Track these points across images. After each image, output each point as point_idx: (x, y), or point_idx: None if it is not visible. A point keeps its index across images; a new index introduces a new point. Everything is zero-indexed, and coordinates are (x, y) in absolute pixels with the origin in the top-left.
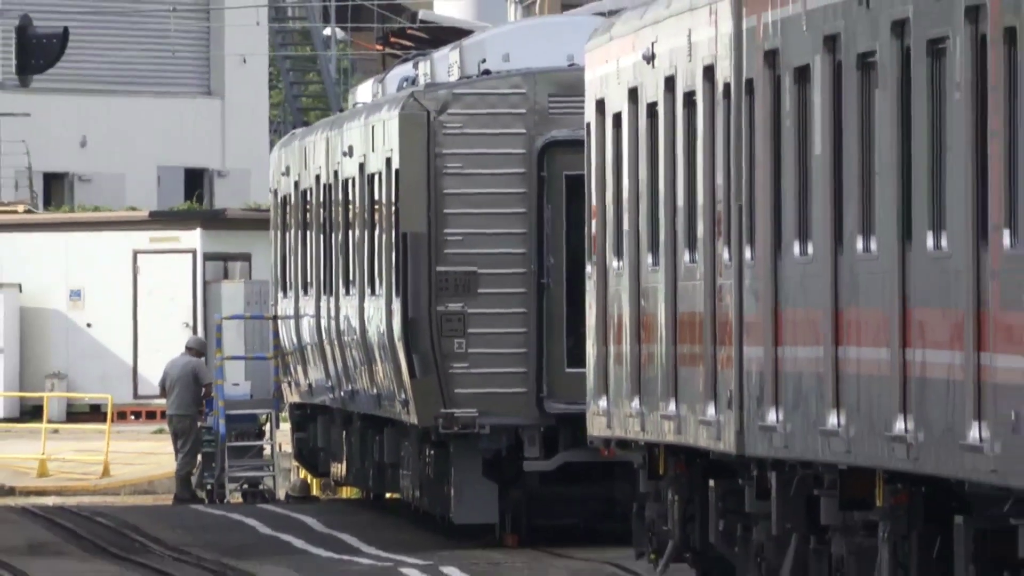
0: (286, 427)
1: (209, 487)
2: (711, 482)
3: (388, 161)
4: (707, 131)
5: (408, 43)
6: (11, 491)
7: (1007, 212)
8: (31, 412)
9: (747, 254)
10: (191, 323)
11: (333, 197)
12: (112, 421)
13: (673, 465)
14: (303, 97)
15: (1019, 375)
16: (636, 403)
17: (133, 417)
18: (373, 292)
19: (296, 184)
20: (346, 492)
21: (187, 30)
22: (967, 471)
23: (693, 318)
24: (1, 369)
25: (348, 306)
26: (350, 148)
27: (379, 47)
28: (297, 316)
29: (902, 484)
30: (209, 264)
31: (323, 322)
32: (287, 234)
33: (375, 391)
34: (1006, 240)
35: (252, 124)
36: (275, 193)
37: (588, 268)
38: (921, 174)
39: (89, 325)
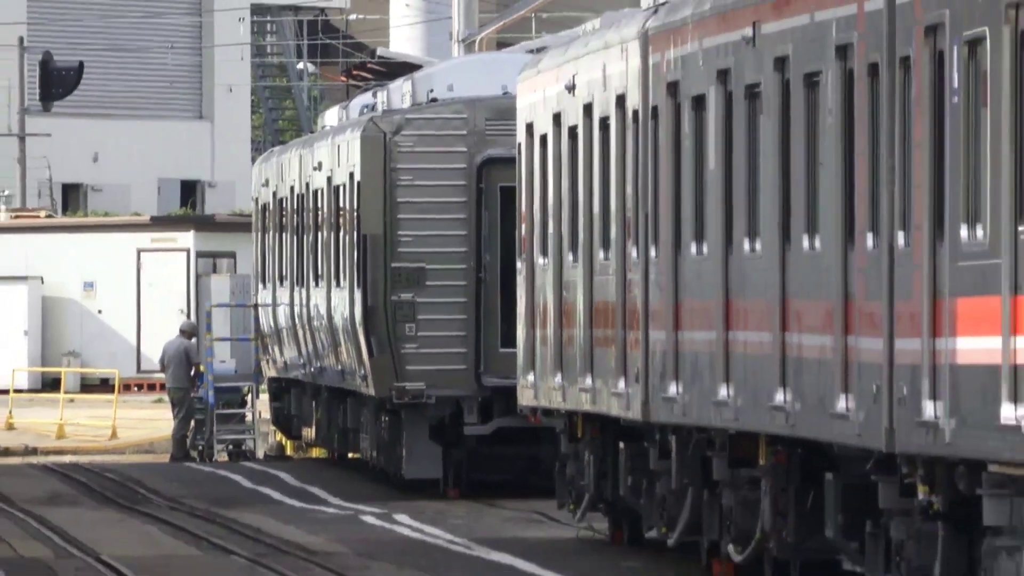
0: (265, 397)
1: (200, 448)
2: (621, 444)
3: (351, 175)
4: (619, 150)
5: (368, 75)
6: (34, 451)
7: (870, 218)
8: (51, 384)
9: (652, 253)
10: (185, 310)
11: (305, 204)
12: (119, 392)
13: (589, 430)
14: (280, 120)
15: (878, 355)
16: (558, 378)
17: (136, 389)
18: (338, 284)
19: (274, 194)
20: (315, 452)
21: (182, 64)
22: (836, 435)
23: (606, 307)
24: (25, 348)
25: (317, 296)
26: (319, 163)
27: (344, 79)
28: (274, 304)
29: (781, 446)
30: (200, 261)
31: (296, 309)
32: (266, 235)
33: (339, 367)
34: (869, 242)
35: (237, 143)
36: (256, 201)
37: (519, 264)
38: (799, 186)
39: (100, 311)
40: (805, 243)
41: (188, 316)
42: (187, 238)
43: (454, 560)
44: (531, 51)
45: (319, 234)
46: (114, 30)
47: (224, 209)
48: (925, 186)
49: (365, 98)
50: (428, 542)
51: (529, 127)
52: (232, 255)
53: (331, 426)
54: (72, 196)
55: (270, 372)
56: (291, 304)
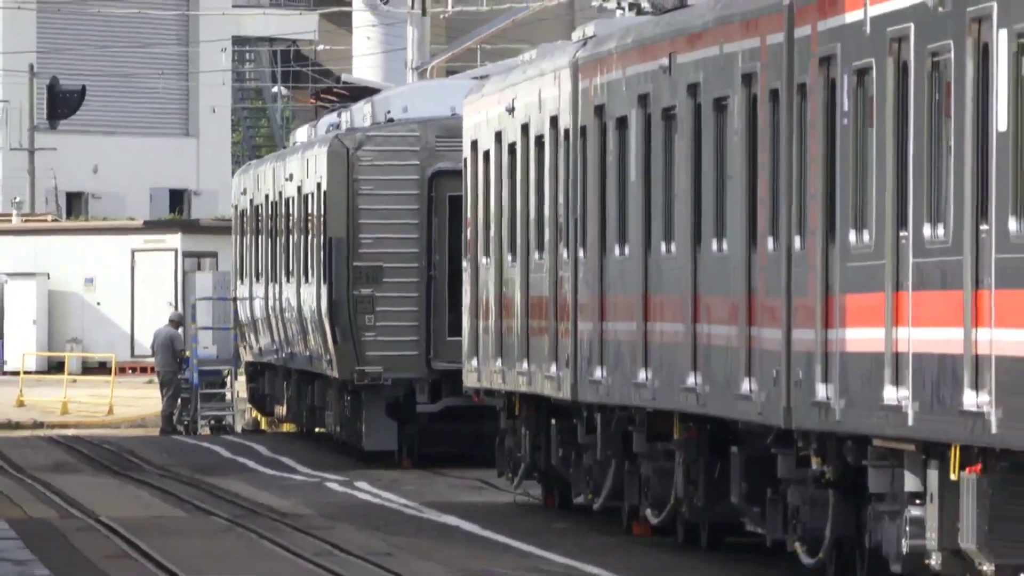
0: (242, 379)
1: (186, 423)
2: (553, 421)
3: (319, 185)
4: (552, 164)
5: (334, 98)
6: (41, 425)
7: (771, 224)
8: (56, 367)
9: (581, 254)
10: (173, 302)
11: (278, 211)
12: (115, 374)
13: (525, 408)
14: (256, 137)
15: (778, 344)
16: (499, 362)
17: (130, 371)
18: (307, 280)
19: (251, 201)
20: (286, 427)
21: (171, 88)
22: (740, 414)
23: (541, 301)
24: (34, 335)
25: (288, 291)
26: (291, 175)
27: (312, 101)
28: (251, 298)
29: (693, 423)
30: (186, 259)
31: (270, 302)
32: (244, 238)
33: (308, 353)
34: (770, 245)
35: (219, 157)
36: (235, 208)
37: (464, 264)
38: (708, 196)
39: (98, 304)
40: (714, 246)
41: (175, 308)
42: (175, 240)
43: (407, 522)
44: (476, 78)
45: (290, 237)
46: (112, 58)
47: (208, 214)
48: (819, 196)
49: (331, 118)
50: (385, 506)
51: (474, 144)
52: (214, 255)
53: (300, 404)
54: (75, 203)
55: (247, 357)
56: (266, 298)
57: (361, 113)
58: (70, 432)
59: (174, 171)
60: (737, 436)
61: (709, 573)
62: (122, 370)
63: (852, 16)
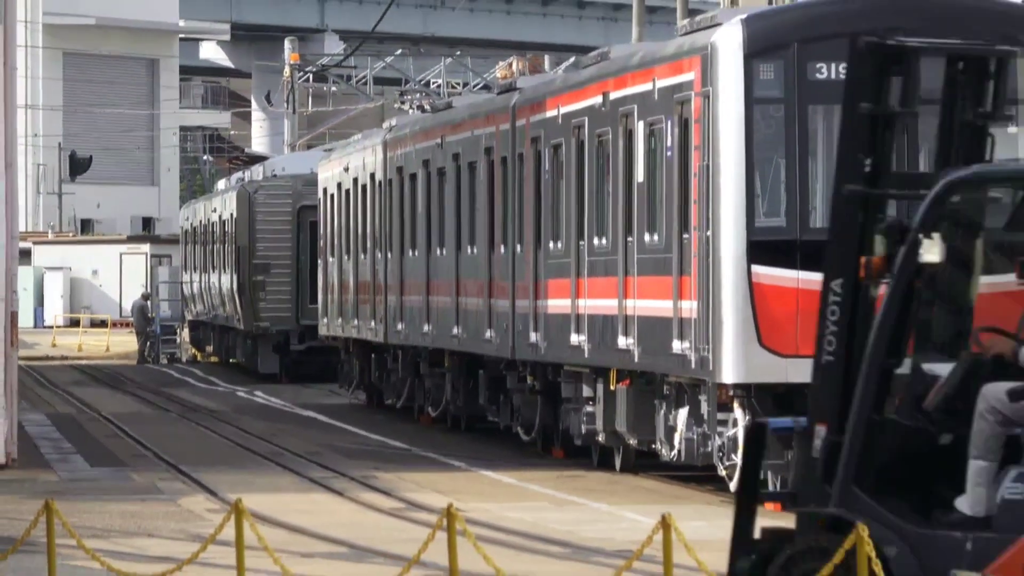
0: (187, 330)
1: (152, 357)
2: (372, 355)
3: (232, 214)
4: (372, 202)
5: (240, 162)
6: (66, 358)
7: (502, 236)
8: (74, 323)
9: (389, 255)
10: (144, 285)
11: (208, 230)
12: (110, 328)
13: (356, 347)
14: (194, 186)
15: (506, 307)
16: (340, 320)
17: (120, 327)
18: (224, 271)
19: (192, 224)
20: (213, 359)
21: (144, 156)
22: (485, 350)
23: (366, 283)
24: (62, 305)
25: (214, 277)
26: (215, 208)
27: (228, 164)
28: (191, 282)
29: (456, 356)
30: (153, 259)
31: (203, 284)
32: (187, 246)
33: (225, 314)
34: (502, 249)
35: (172, 198)
36: (182, 228)
37: (320, 262)
38: (465, 220)
39: (100, 285)
40: (469, 250)
41: (146, 288)
42: (146, 247)
43: (287, 414)
44: (325, 150)
45: (216, 245)
46: (109, 137)
47: (166, 232)
48: (531, 220)
49: (239, 175)
50: (271, 405)
51: (325, 190)
52: (170, 256)
53: (221, 345)
54: (86, 225)
55: (189, 317)
56: (201, 281)
57: (258, 171)
58: (83, 362)
59: (145, 206)
60: (483, 363)
61: (466, 442)
62: (115, 325)
63: (551, 112)
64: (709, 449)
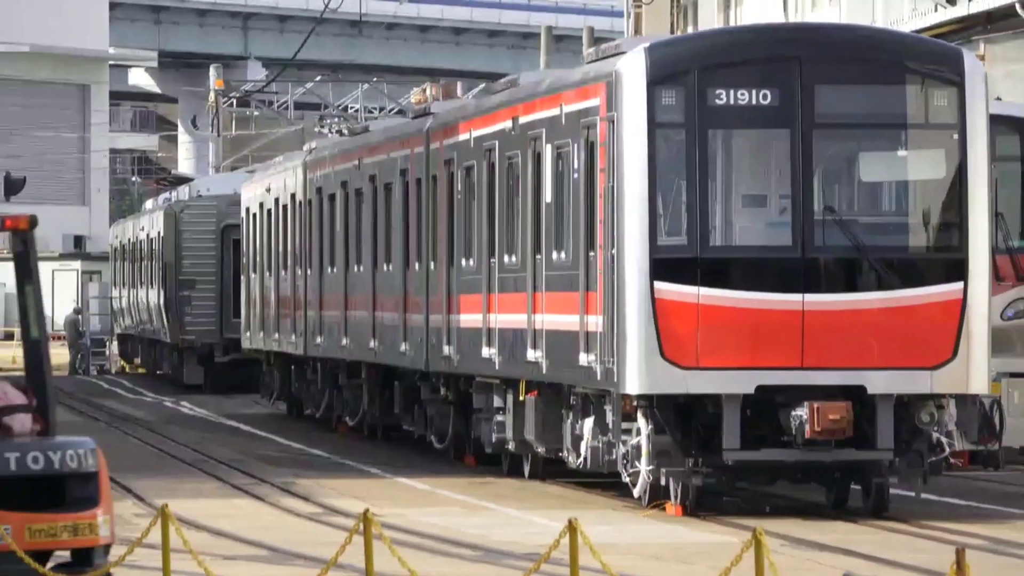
0: (116, 343)
1: (83, 369)
2: (292, 366)
3: (159, 233)
4: (293, 221)
5: (168, 183)
6: (1, 370)
7: (417, 253)
8: (8, 336)
9: (309, 271)
10: (76, 300)
11: (136, 247)
12: None
13: (277, 360)
14: (123, 206)
15: (421, 321)
16: (262, 333)
17: (52, 339)
18: (152, 286)
19: (121, 242)
20: (141, 370)
21: (75, 177)
22: (399, 362)
23: (286, 298)
24: (3, 317)
25: (142, 292)
26: (143, 227)
27: (155, 185)
28: (120, 297)
29: (373, 368)
30: (84, 275)
31: (132, 299)
32: (117, 263)
33: (153, 328)
34: (416, 266)
35: (102, 217)
36: (112, 246)
37: (243, 278)
38: (382, 238)
39: None
40: (385, 267)
41: (77, 303)
42: (77, 264)
43: (211, 424)
44: (248, 171)
45: (144, 262)
46: (42, 159)
47: (96, 250)
48: (444, 238)
49: (166, 195)
50: (196, 415)
51: (248, 210)
52: (100, 272)
53: (149, 357)
54: None
55: (118, 330)
56: (129, 296)
57: (185, 192)
58: (17, 374)
59: (77, 225)
60: (398, 375)
61: (382, 450)
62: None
63: (463, 136)
64: (614, 457)
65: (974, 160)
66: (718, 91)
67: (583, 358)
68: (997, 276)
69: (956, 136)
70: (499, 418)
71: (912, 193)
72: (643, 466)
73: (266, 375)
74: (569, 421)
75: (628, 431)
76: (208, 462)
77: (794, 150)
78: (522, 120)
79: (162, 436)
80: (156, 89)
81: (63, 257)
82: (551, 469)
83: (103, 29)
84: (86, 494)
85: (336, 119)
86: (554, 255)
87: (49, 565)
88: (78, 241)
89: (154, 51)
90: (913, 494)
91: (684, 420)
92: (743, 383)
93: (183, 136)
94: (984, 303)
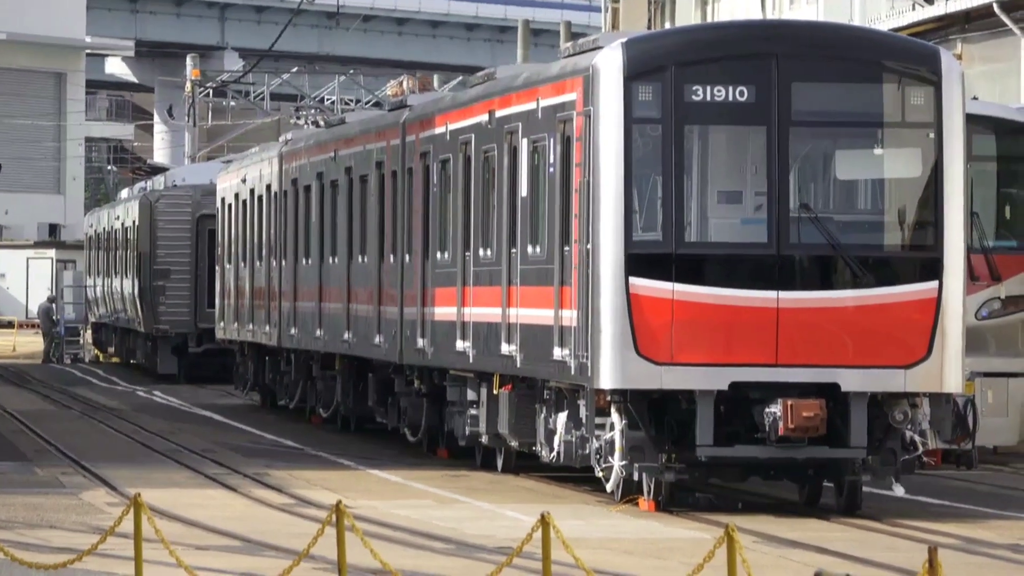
0: (90, 332)
1: (57, 357)
2: (266, 357)
3: (134, 222)
4: (268, 212)
5: (143, 172)
6: None
7: (392, 246)
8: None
9: (283, 263)
10: (50, 288)
11: (111, 236)
12: (17, 328)
13: (251, 350)
14: (98, 195)
15: (395, 314)
16: (235, 324)
17: (26, 328)
18: (127, 276)
19: (96, 231)
20: (115, 360)
21: (51, 166)
22: (374, 354)
23: (261, 289)
24: None
25: (116, 281)
26: (119, 216)
27: (131, 174)
28: (95, 285)
29: (347, 359)
30: (58, 264)
31: (106, 288)
32: (91, 252)
33: (127, 317)
34: (392, 259)
35: (77, 206)
36: (87, 235)
37: (217, 268)
38: (357, 230)
39: (8, 288)
40: (359, 259)
41: (51, 291)
42: (52, 252)
43: (184, 413)
44: (224, 162)
45: (118, 251)
46: (18, 147)
47: (71, 239)
48: (419, 231)
49: (141, 184)
50: (169, 404)
51: (223, 200)
52: (74, 261)
53: (123, 346)
54: None
55: (92, 319)
56: (104, 285)
57: (159, 181)
58: (17, 362)
59: (52, 213)
60: (372, 367)
61: (355, 442)
62: (21, 326)
63: (439, 129)
64: (587, 452)
65: (950, 159)
66: (695, 87)
67: (557, 352)
68: (972, 276)
69: (932, 135)
70: (473, 411)
71: (888, 192)
72: (616, 461)
73: (240, 366)
74: (543, 415)
75: (602, 426)
76: (181, 452)
77: (770, 147)
78: (498, 114)
79: (135, 425)
80: (132, 78)
81: (38, 245)
82: (524, 463)
83: (80, 17)
84: None
85: (312, 110)
86: (529, 249)
87: None
88: (53, 229)
89: (131, 40)
90: (892, 492)
91: (657, 416)
92: (717, 379)
93: (159, 126)
94: (959, 302)
